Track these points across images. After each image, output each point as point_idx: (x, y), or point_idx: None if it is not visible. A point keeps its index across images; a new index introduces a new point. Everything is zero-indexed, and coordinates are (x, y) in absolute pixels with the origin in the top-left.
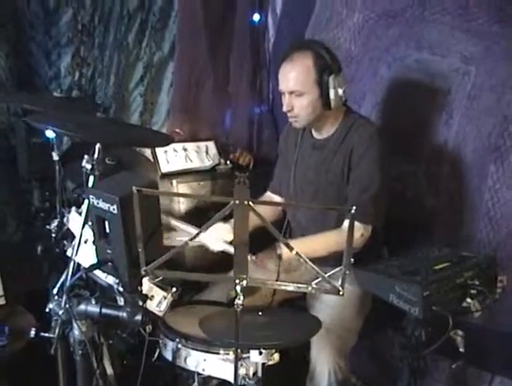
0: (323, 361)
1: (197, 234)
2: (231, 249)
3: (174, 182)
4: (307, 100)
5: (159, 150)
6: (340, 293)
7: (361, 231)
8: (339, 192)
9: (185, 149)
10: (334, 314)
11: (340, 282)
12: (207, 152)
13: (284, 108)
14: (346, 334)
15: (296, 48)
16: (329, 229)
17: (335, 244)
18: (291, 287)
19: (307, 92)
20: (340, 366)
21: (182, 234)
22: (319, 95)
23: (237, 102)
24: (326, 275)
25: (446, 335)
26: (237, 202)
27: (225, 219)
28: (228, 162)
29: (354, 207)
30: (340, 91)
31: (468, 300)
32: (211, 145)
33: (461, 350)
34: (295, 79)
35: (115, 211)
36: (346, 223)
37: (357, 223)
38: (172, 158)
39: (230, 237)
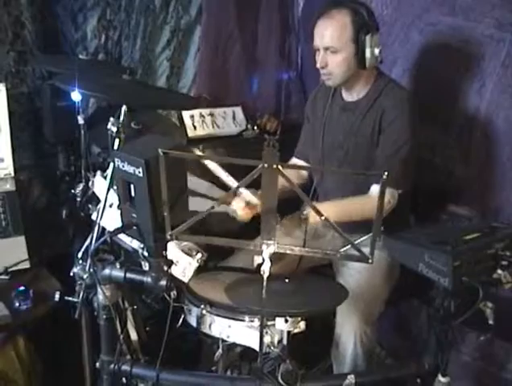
0: (349, 328)
1: (223, 199)
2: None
3: (200, 147)
4: (342, 57)
5: (186, 115)
6: (370, 261)
7: (388, 196)
8: (367, 156)
9: (212, 115)
10: (361, 280)
11: (369, 250)
12: (234, 117)
13: (318, 65)
14: (373, 301)
15: (334, 5)
16: (357, 195)
17: (363, 210)
18: (319, 254)
19: (342, 49)
20: (367, 333)
21: (207, 202)
22: (354, 53)
23: (264, 67)
24: (355, 242)
25: (476, 307)
26: (265, 165)
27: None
28: (255, 128)
29: (386, 173)
30: (377, 50)
31: (499, 271)
32: (238, 110)
33: (490, 322)
34: (331, 35)
35: (141, 175)
36: (374, 188)
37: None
38: (199, 123)
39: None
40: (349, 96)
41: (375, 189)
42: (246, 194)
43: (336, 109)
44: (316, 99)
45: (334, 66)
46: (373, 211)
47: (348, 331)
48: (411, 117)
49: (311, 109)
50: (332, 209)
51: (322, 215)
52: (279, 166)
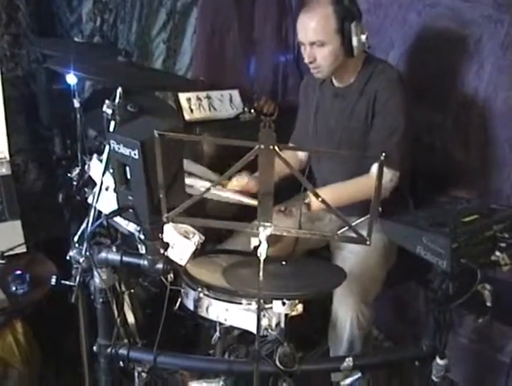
0: (345, 309)
1: (220, 180)
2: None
3: (197, 130)
4: (329, 49)
5: (182, 98)
6: (367, 242)
7: (389, 176)
8: (362, 140)
9: (209, 98)
10: (358, 262)
11: (366, 231)
12: (231, 100)
13: (306, 60)
14: (370, 282)
15: None
16: (354, 177)
17: (364, 191)
18: (316, 236)
19: (328, 42)
20: (364, 313)
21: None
22: (340, 43)
23: (261, 50)
24: (353, 224)
25: (474, 289)
26: (262, 146)
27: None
28: (252, 111)
29: (384, 154)
30: (363, 37)
31: (498, 253)
32: (235, 93)
33: (488, 304)
34: (314, 29)
35: (136, 157)
36: (374, 168)
37: (385, 169)
38: (196, 106)
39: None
40: (340, 83)
41: (376, 168)
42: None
43: (328, 95)
44: (308, 86)
45: (322, 59)
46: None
47: (345, 312)
48: (404, 96)
49: (304, 95)
50: (333, 193)
51: (319, 197)
52: (276, 147)
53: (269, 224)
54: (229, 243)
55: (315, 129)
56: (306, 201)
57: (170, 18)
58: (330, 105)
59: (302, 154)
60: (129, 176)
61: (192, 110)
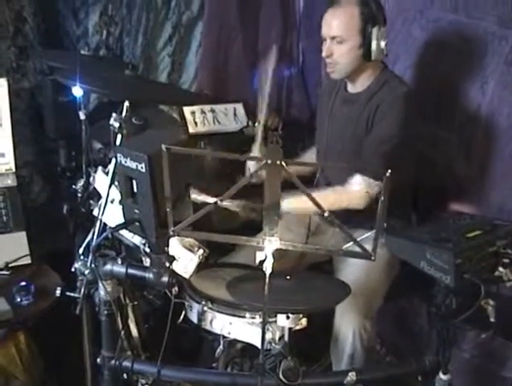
0: (347, 323)
1: (227, 195)
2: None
3: (201, 143)
4: (348, 47)
5: (187, 111)
6: (372, 257)
7: (365, 186)
8: (360, 147)
9: (213, 111)
10: (361, 276)
11: (371, 247)
12: (235, 114)
13: (323, 54)
14: (372, 297)
15: None
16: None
17: (338, 201)
18: (321, 250)
19: (348, 39)
20: (366, 328)
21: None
22: (360, 44)
23: (266, 63)
24: (358, 239)
25: (477, 304)
26: (269, 161)
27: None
28: (256, 124)
29: (389, 171)
30: (383, 43)
31: (501, 269)
32: (239, 106)
33: (492, 320)
34: (338, 24)
35: (143, 170)
36: (354, 178)
37: (361, 179)
38: (200, 119)
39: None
40: (353, 88)
41: (355, 180)
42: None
43: (340, 101)
44: (325, 92)
45: (339, 56)
46: (351, 201)
47: (347, 326)
48: (403, 115)
49: (321, 100)
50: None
51: (324, 211)
52: (283, 163)
53: (275, 238)
54: (232, 256)
55: (328, 134)
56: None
57: (175, 32)
58: (340, 111)
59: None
60: (135, 189)
61: (196, 123)
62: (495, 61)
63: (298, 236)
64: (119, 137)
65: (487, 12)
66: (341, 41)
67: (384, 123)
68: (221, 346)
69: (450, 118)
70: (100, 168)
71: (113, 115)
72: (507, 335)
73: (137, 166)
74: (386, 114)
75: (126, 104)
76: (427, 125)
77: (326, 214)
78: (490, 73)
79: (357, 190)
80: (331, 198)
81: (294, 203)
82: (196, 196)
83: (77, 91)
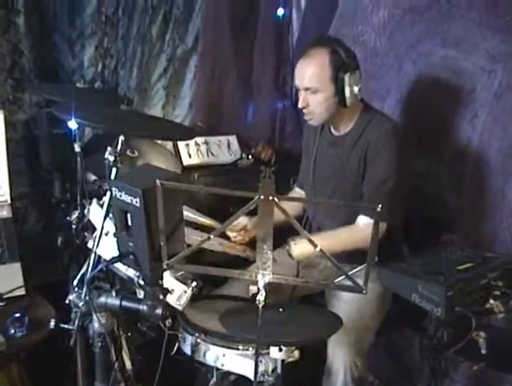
0: (339, 359)
1: (220, 229)
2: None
3: (195, 175)
4: (322, 97)
5: (181, 144)
6: (364, 291)
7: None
8: (355, 189)
9: (207, 143)
10: (352, 311)
11: (363, 280)
12: (229, 146)
13: (299, 105)
14: (364, 332)
15: (313, 45)
16: (347, 225)
17: (347, 242)
18: (313, 284)
19: (321, 89)
20: (357, 364)
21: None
22: (334, 92)
23: (259, 96)
24: (350, 273)
25: (469, 336)
26: (261, 197)
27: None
28: (249, 157)
29: (380, 205)
30: (356, 88)
31: (492, 301)
32: (233, 139)
33: (483, 351)
34: (310, 75)
35: (138, 204)
36: (360, 218)
37: (369, 220)
38: (194, 151)
39: None
40: (336, 131)
41: (362, 220)
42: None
43: (325, 144)
44: (309, 132)
45: (314, 106)
46: (360, 242)
47: (339, 362)
48: (396, 149)
49: (306, 140)
50: (320, 241)
51: (316, 246)
52: (275, 198)
53: (267, 272)
54: (225, 288)
55: (313, 175)
56: (289, 252)
57: (170, 65)
58: (326, 153)
59: (303, 194)
60: (130, 223)
61: (190, 155)
62: (484, 95)
63: (288, 269)
64: (114, 170)
65: (476, 46)
66: (315, 91)
67: (379, 161)
68: (215, 378)
69: (441, 151)
70: (94, 200)
71: (109, 149)
72: (499, 367)
73: (131, 200)
74: (380, 152)
75: (121, 138)
76: (419, 157)
77: (318, 248)
78: (480, 107)
79: (364, 231)
80: (340, 238)
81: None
82: (189, 213)
83: (72, 124)
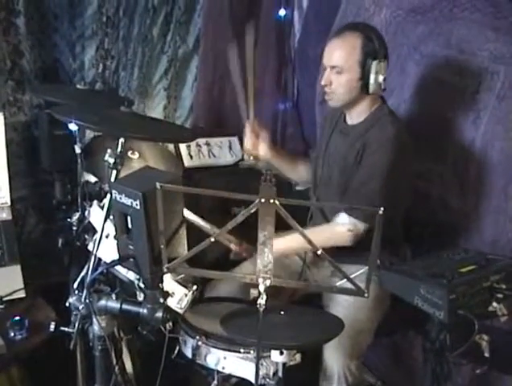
0: (333, 363)
1: (221, 232)
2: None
3: (196, 177)
4: (347, 78)
5: (182, 145)
6: (365, 295)
7: (350, 225)
8: (348, 180)
9: (208, 144)
10: (348, 315)
11: (364, 284)
12: (230, 147)
13: (322, 82)
14: (359, 337)
15: (349, 28)
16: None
17: (321, 239)
18: (313, 287)
19: (347, 70)
20: (351, 369)
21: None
22: (359, 76)
23: (261, 98)
24: (351, 276)
25: (471, 340)
26: (262, 200)
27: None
28: (251, 158)
29: (382, 208)
30: (381, 78)
31: (495, 304)
32: (234, 140)
33: (486, 355)
34: (339, 54)
35: (138, 207)
36: (338, 217)
37: (346, 218)
38: (195, 152)
39: None
40: (350, 120)
41: (340, 218)
42: None
43: (338, 131)
44: (327, 119)
45: (337, 85)
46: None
47: (332, 366)
48: (391, 157)
49: (322, 127)
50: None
51: (317, 249)
52: (276, 201)
53: (268, 276)
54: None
55: (324, 160)
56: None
57: (171, 66)
58: (336, 140)
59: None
60: (130, 226)
61: (191, 157)
62: (487, 96)
63: (293, 266)
64: (114, 173)
65: (479, 47)
66: (340, 71)
67: (368, 162)
68: (215, 381)
69: (444, 152)
70: (95, 202)
71: (108, 151)
72: (502, 370)
73: (131, 202)
74: (372, 154)
75: (122, 140)
76: (421, 159)
77: (319, 252)
78: (483, 108)
79: (340, 229)
80: (316, 236)
81: (281, 244)
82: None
83: (73, 125)
